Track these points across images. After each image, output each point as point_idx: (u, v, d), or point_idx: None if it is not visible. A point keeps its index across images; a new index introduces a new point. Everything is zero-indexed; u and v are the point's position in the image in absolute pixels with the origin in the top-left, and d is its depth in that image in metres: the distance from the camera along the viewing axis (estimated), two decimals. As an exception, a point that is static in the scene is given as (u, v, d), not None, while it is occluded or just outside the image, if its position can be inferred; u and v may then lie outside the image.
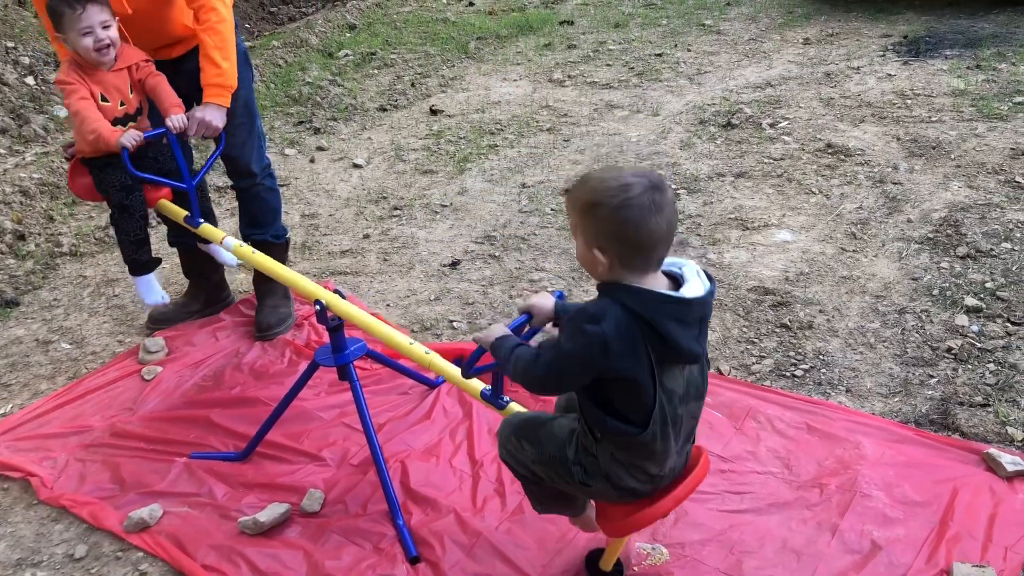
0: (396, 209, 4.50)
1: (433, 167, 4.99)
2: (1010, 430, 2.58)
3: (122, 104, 2.91)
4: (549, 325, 2.06)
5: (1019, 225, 3.68)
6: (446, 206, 4.47)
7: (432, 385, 3.03)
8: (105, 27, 2.76)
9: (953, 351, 2.95)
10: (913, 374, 2.88)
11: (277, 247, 3.51)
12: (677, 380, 1.77)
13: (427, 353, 2.40)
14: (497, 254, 3.92)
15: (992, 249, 3.51)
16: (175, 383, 3.23)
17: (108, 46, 2.79)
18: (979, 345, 2.97)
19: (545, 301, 2.03)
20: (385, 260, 3.98)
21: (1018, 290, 3.24)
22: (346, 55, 7.14)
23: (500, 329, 1.97)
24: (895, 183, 4.18)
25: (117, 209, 3.00)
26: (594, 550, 2.29)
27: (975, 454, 2.49)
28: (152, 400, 3.15)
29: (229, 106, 2.98)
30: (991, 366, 2.87)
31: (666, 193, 1.70)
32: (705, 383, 1.87)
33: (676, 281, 1.78)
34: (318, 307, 2.55)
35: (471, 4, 8.78)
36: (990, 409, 2.68)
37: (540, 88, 6.18)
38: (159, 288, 3.12)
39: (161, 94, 2.95)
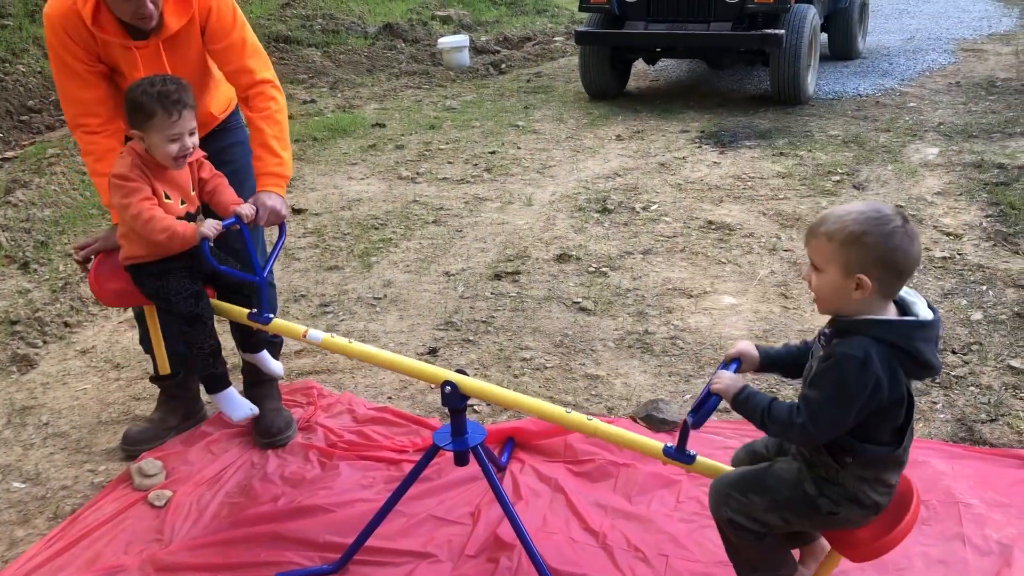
0: (325, 306, 4.29)
1: (335, 263, 4.82)
2: (1027, 437, 3.01)
3: (183, 203, 2.65)
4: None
5: (908, 277, 4.28)
6: (380, 299, 4.34)
7: (500, 468, 2.94)
8: (192, 134, 2.54)
9: (937, 381, 3.38)
10: (918, 403, 3.25)
11: (275, 346, 3.25)
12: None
13: (589, 420, 2.36)
14: (471, 339, 3.87)
15: (904, 297, 4.07)
16: (198, 505, 2.84)
17: (188, 155, 2.56)
18: (951, 374, 3.42)
19: (751, 348, 2.12)
20: (353, 355, 3.77)
21: (943, 326, 3.78)
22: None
23: (736, 380, 2.02)
24: (786, 250, 4.70)
25: (187, 320, 2.65)
26: None
27: (1019, 459, 2.87)
28: (183, 526, 2.75)
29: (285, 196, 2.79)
30: (973, 390, 3.31)
31: (911, 224, 1.89)
32: None
33: (897, 305, 1.92)
34: (448, 389, 2.42)
35: (264, 109, 8.58)
36: (1001, 423, 3.10)
37: (395, 185, 6.19)
38: (244, 399, 2.76)
39: (223, 196, 2.75)
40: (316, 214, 5.64)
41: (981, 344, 3.61)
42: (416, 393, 3.46)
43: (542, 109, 8.35)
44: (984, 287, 4.11)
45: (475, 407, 3.33)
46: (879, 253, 1.82)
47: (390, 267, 4.74)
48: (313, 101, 8.96)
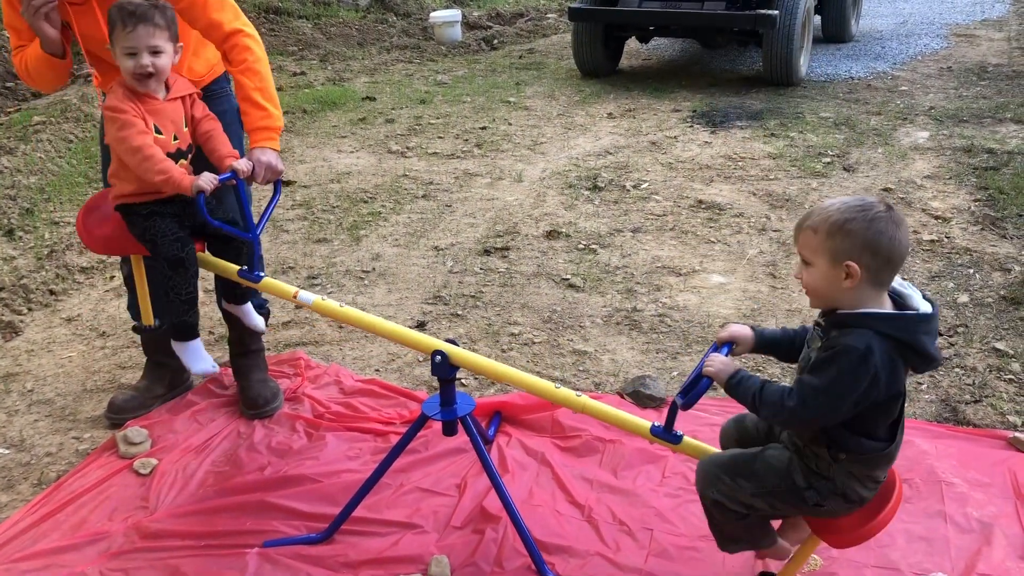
0: (312, 278, 4.27)
1: (323, 236, 4.80)
2: (1010, 418, 3.03)
3: (175, 138, 2.59)
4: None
5: (896, 259, 4.29)
6: (369, 271, 4.32)
7: (487, 440, 2.94)
8: (154, 52, 2.46)
9: (922, 362, 3.39)
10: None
11: (262, 317, 3.24)
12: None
13: (578, 396, 2.35)
14: (459, 313, 3.87)
15: (891, 279, 4.08)
16: (184, 473, 2.84)
17: (149, 75, 2.48)
18: (937, 355, 3.44)
19: (745, 331, 2.12)
20: (340, 328, 3.77)
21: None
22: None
23: (728, 364, 2.02)
24: (775, 231, 4.70)
25: (170, 263, 2.58)
26: (764, 573, 2.35)
27: (1001, 440, 2.90)
28: (168, 494, 2.75)
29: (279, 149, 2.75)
30: (958, 371, 3.34)
31: (898, 211, 1.89)
32: None
33: (893, 299, 1.92)
34: (438, 358, 2.41)
35: (253, 81, 8.51)
36: (984, 404, 3.12)
37: (385, 159, 6.16)
38: (207, 355, 2.73)
39: (216, 141, 2.67)
40: (305, 186, 5.61)
41: (967, 326, 3.63)
42: (404, 366, 3.46)
43: (534, 86, 8.31)
44: (971, 270, 4.13)
45: (463, 380, 3.33)
46: (864, 239, 1.82)
47: (379, 241, 4.72)
48: (303, 73, 8.88)
